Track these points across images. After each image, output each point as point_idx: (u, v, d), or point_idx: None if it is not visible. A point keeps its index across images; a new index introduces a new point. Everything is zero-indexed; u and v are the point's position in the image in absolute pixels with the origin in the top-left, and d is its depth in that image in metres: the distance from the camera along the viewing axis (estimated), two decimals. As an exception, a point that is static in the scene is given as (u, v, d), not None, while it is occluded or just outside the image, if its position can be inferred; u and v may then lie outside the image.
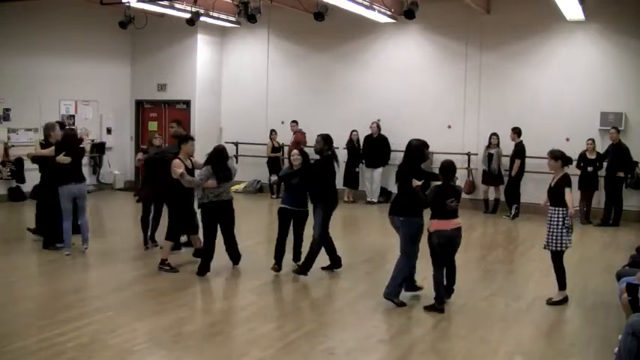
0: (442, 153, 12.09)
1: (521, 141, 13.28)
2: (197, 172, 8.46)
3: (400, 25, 14.43)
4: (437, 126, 14.52)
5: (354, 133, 15.06)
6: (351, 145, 15.07)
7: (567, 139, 13.50)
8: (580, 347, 6.13)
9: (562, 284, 7.49)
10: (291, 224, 8.51)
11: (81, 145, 9.55)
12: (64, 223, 9.16)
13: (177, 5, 13.22)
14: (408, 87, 15.09)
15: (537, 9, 13.45)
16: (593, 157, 12.85)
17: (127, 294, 7.61)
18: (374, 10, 13.07)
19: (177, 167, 8.25)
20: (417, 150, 7.25)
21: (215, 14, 14.39)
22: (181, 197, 8.49)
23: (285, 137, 15.74)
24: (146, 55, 16.97)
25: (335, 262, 8.67)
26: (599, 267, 9.27)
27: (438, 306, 6.98)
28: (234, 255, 8.73)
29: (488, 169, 13.75)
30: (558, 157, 7.48)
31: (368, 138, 15.07)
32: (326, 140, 8.43)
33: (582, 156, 12.90)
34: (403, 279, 7.24)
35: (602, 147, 13.11)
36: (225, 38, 17.04)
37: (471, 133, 14.45)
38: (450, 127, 14.57)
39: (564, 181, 7.34)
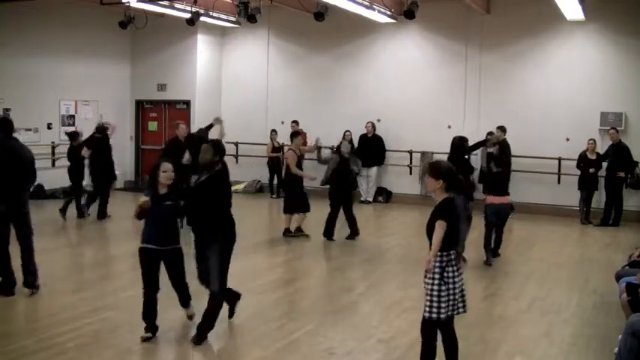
0: (442, 153, 12.07)
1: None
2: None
3: (400, 25, 14.42)
4: (437, 126, 14.55)
5: (347, 133, 15.03)
6: None
7: (567, 139, 13.54)
8: (580, 347, 6.13)
9: None
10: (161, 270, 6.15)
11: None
12: None
13: (177, 5, 13.23)
14: (408, 87, 15.09)
15: (537, 9, 13.46)
16: (594, 157, 12.85)
17: (127, 294, 7.61)
18: (374, 10, 13.05)
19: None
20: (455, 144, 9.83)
21: (215, 14, 14.38)
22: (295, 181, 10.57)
23: (286, 137, 15.63)
24: (146, 55, 16.96)
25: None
26: (599, 267, 9.28)
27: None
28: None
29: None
30: (440, 175, 4.82)
31: (363, 137, 15.12)
32: (216, 148, 6.19)
33: (582, 156, 12.90)
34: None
35: (602, 147, 13.11)
36: (225, 38, 17.04)
37: (471, 134, 14.36)
38: (450, 127, 14.54)
39: (438, 210, 4.79)
